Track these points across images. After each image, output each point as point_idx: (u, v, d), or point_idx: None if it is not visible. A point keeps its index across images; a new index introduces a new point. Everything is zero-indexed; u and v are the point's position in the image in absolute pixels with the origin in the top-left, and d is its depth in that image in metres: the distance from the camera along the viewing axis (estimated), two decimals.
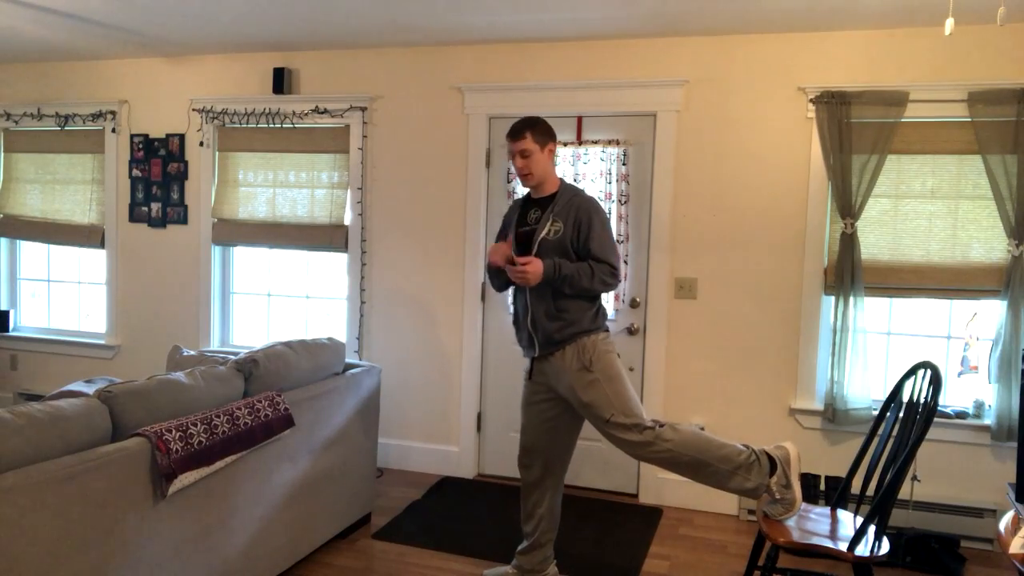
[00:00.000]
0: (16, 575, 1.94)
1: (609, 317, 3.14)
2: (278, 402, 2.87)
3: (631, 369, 4.20)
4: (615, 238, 2.99)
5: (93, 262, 5.38)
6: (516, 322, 3.04)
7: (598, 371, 2.82)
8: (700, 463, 2.70)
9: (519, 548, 3.16)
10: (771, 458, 2.70)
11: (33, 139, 5.32)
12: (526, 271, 2.80)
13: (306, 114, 4.64)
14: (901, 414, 2.62)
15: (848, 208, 3.75)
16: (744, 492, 2.70)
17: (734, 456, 2.69)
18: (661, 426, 2.76)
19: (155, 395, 2.51)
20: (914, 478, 3.61)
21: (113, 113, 5.07)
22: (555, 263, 2.83)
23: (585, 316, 2.88)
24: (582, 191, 2.99)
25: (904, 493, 3.59)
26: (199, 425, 2.49)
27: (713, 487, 2.78)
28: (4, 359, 5.52)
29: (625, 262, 4.13)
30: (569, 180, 4.15)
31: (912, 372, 2.62)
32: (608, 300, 4.16)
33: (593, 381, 2.81)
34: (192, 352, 3.36)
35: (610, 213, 4.11)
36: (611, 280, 2.86)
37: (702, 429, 4.04)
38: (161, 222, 5.04)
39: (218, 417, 2.59)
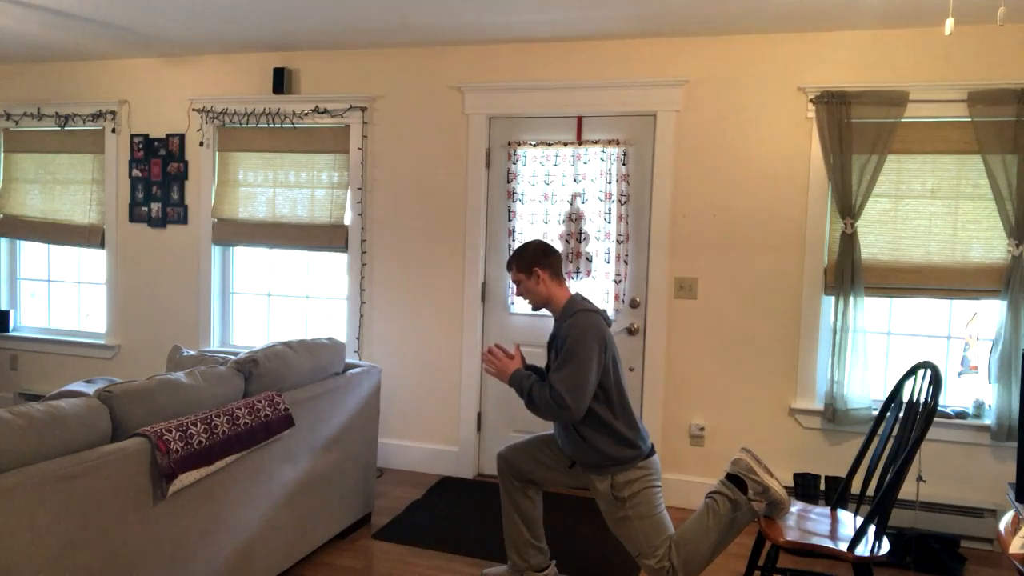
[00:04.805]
0: (16, 575, 1.94)
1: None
2: (278, 402, 2.87)
3: (631, 369, 4.20)
4: (589, 367, 2.69)
5: (93, 262, 5.38)
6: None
7: (630, 509, 2.75)
8: (715, 545, 2.69)
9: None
10: (736, 478, 2.68)
11: (33, 139, 5.32)
12: (493, 364, 2.84)
13: (306, 114, 4.64)
14: (901, 414, 2.62)
15: (848, 208, 3.75)
16: (745, 526, 2.70)
17: (721, 516, 2.67)
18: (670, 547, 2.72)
19: (155, 395, 2.50)
20: (919, 479, 3.61)
21: (113, 113, 5.07)
22: (522, 376, 2.80)
23: (606, 444, 2.76)
24: (577, 312, 2.80)
25: (909, 494, 3.59)
26: (199, 425, 2.49)
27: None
28: (4, 359, 5.52)
29: (625, 262, 4.14)
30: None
31: (912, 372, 2.62)
32: (608, 301, 4.16)
33: (624, 518, 2.76)
34: (192, 352, 3.36)
35: (610, 213, 4.12)
36: (558, 411, 2.67)
37: (702, 430, 4.08)
38: (161, 222, 5.04)
39: (218, 417, 2.59)
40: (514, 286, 3.00)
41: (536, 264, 2.88)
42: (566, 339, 2.74)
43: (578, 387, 2.67)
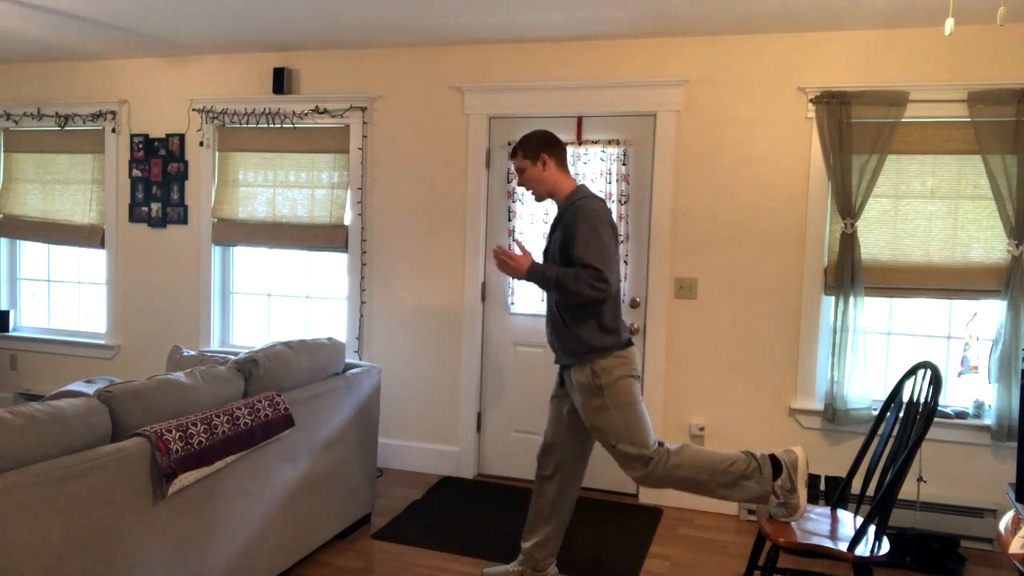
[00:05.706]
0: (16, 575, 1.94)
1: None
2: (278, 402, 2.87)
3: None
4: (610, 243, 2.78)
5: (93, 262, 5.39)
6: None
7: (608, 397, 2.77)
8: (702, 482, 2.71)
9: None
10: (777, 461, 2.69)
11: (33, 139, 5.32)
12: (507, 261, 2.82)
13: (306, 114, 4.64)
14: (901, 414, 2.62)
15: (848, 208, 3.75)
16: (748, 500, 2.70)
17: (735, 468, 2.68)
18: (662, 446, 2.75)
19: (155, 395, 2.50)
20: (920, 479, 3.60)
21: (113, 113, 5.07)
22: (543, 266, 2.81)
23: (588, 330, 2.80)
24: (584, 197, 2.84)
25: (910, 494, 3.59)
26: (199, 425, 2.49)
27: (719, 500, 2.77)
28: (4, 359, 5.52)
29: (625, 262, 4.14)
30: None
31: (912, 372, 2.62)
32: None
33: (602, 407, 2.78)
34: (192, 352, 3.36)
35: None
36: (599, 285, 2.69)
37: (702, 430, 4.08)
38: (161, 222, 5.04)
39: (218, 417, 2.59)
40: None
41: (543, 150, 2.88)
42: (574, 222, 2.75)
43: (607, 258, 2.72)
